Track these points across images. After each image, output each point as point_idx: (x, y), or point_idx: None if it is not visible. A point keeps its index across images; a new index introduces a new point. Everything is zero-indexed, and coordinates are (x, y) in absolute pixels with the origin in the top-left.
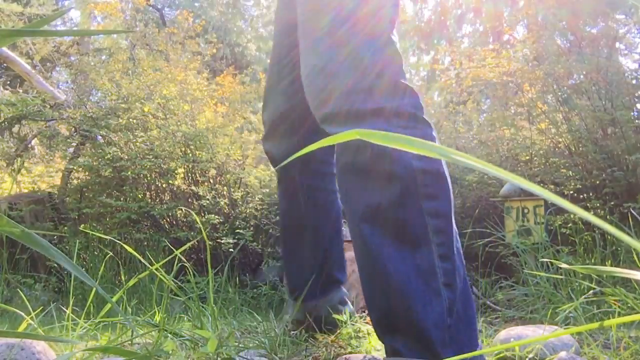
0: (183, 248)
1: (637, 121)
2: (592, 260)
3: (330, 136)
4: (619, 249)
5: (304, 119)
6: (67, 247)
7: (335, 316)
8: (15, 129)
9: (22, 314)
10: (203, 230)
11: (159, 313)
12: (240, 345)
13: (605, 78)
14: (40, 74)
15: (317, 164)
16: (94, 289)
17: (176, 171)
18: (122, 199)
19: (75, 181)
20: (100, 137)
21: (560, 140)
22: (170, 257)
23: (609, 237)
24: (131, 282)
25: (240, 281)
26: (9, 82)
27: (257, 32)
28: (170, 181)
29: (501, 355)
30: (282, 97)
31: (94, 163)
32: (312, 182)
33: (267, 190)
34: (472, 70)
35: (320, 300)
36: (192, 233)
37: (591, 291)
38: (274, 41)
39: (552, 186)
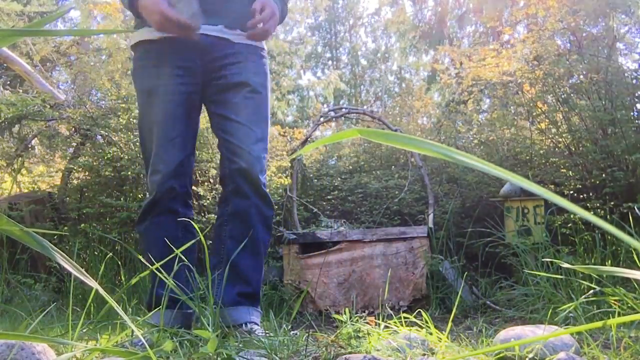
0: (183, 247)
1: (637, 121)
2: (592, 260)
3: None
4: (619, 249)
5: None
6: (67, 247)
7: (336, 316)
8: (15, 129)
9: (22, 313)
10: (199, 232)
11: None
12: (240, 345)
13: (605, 78)
14: (40, 74)
15: (189, 199)
16: (94, 289)
17: None
18: (122, 198)
19: (75, 181)
20: (100, 137)
21: (560, 140)
22: (170, 256)
23: (609, 237)
24: (131, 282)
25: None
26: (9, 82)
27: None
28: None
29: (501, 355)
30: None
31: (94, 163)
32: (188, 213)
33: (267, 190)
34: (472, 70)
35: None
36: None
37: (591, 291)
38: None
39: (552, 186)
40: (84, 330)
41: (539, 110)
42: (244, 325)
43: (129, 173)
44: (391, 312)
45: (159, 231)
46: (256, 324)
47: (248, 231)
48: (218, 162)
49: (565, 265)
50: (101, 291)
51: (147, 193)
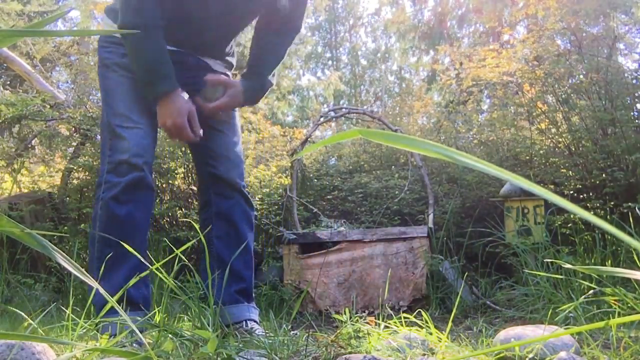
0: (183, 248)
1: (637, 121)
2: (592, 260)
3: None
4: (619, 249)
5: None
6: (67, 247)
7: (336, 316)
8: (15, 129)
9: (22, 314)
10: (200, 232)
11: (159, 313)
12: (240, 345)
13: (605, 78)
14: (40, 74)
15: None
16: (94, 289)
17: (176, 171)
18: None
19: (75, 181)
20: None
21: (560, 140)
22: (170, 256)
23: (609, 237)
24: (131, 282)
25: None
26: (9, 82)
27: None
28: (170, 181)
29: (501, 355)
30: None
31: (94, 163)
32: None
33: (267, 190)
34: (472, 70)
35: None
36: (192, 233)
37: (591, 291)
38: None
39: (552, 186)
40: (84, 330)
41: (539, 110)
42: (244, 323)
43: None
44: (391, 312)
45: (145, 211)
46: (256, 321)
47: (233, 229)
48: None
49: (566, 265)
50: (101, 291)
51: (111, 157)
